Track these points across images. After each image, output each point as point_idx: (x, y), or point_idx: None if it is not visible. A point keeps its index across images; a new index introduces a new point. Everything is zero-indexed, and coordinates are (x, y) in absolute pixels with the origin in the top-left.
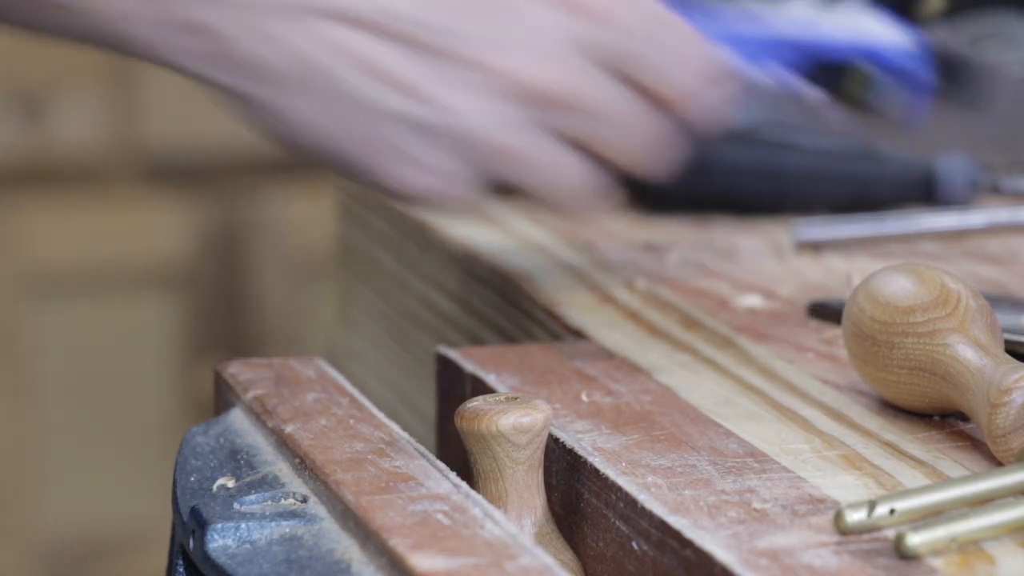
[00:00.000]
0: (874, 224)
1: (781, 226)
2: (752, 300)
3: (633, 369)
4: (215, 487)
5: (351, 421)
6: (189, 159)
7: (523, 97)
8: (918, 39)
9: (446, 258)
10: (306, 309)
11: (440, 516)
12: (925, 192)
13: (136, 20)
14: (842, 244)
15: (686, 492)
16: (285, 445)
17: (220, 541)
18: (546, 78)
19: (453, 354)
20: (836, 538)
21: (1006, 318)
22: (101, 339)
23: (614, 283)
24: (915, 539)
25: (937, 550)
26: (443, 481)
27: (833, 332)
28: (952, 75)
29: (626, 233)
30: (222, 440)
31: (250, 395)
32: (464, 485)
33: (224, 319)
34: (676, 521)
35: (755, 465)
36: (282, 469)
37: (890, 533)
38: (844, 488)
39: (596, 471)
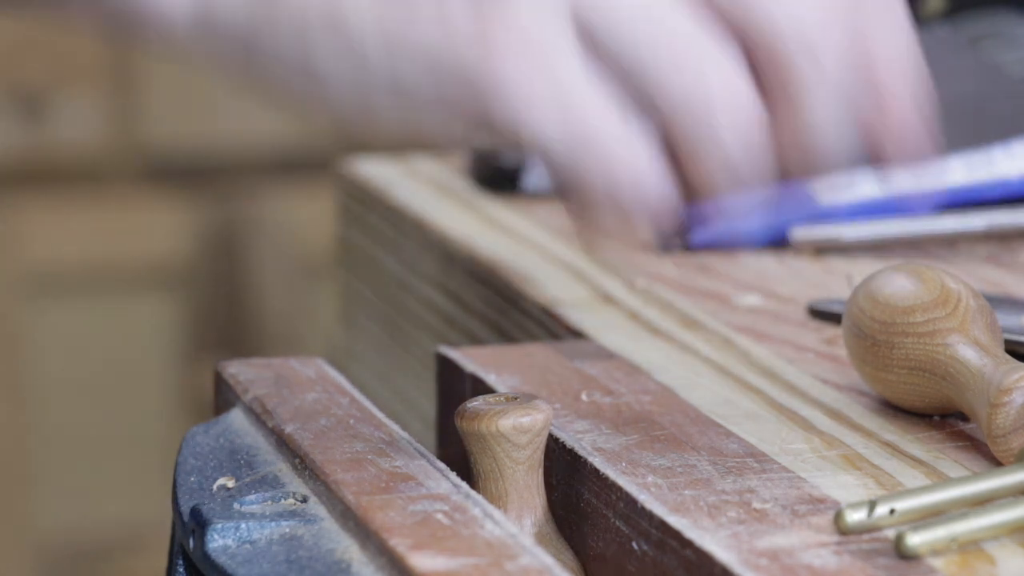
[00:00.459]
0: (875, 225)
1: None
2: (752, 300)
3: (633, 369)
4: (215, 487)
5: (351, 421)
6: (189, 159)
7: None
8: None
9: (446, 258)
10: (306, 309)
11: (440, 516)
12: None
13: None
14: (842, 245)
15: (686, 492)
16: (285, 445)
17: (220, 541)
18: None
19: (453, 354)
20: (836, 538)
21: (1006, 318)
22: (101, 339)
23: (614, 283)
24: (915, 539)
25: (937, 550)
26: (443, 481)
27: (833, 332)
28: None
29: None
30: (222, 440)
31: (250, 395)
32: (464, 485)
33: (224, 319)
34: (676, 521)
35: (755, 465)
36: (282, 469)
37: (890, 533)
38: (844, 488)
39: (596, 471)
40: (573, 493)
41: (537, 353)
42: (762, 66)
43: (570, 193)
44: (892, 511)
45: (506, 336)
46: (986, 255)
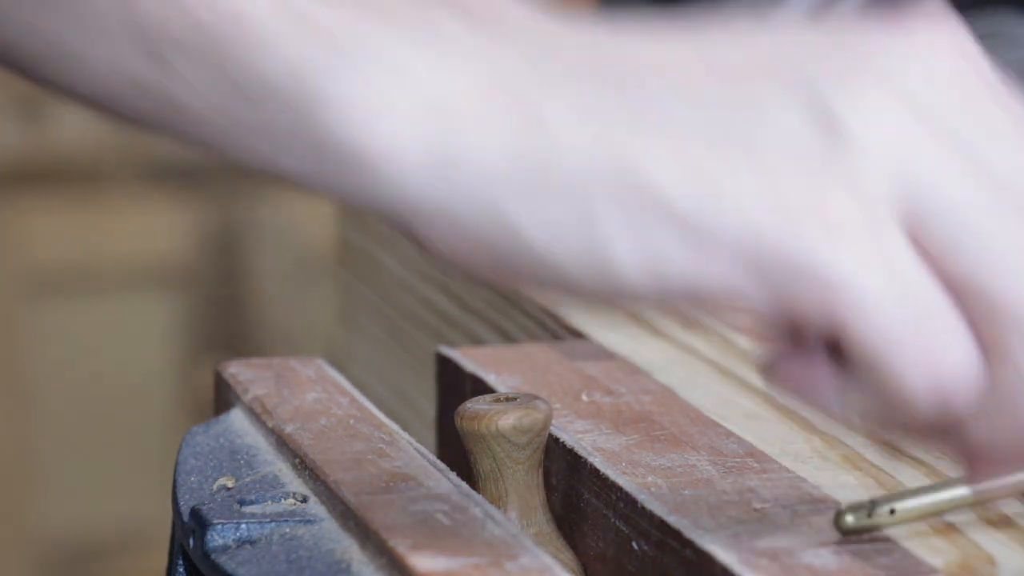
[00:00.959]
0: None
1: None
2: None
3: (633, 369)
4: (215, 487)
5: (351, 421)
6: (189, 159)
7: None
8: None
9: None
10: (306, 309)
11: (440, 516)
12: None
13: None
14: None
15: (686, 492)
16: (285, 445)
17: (220, 541)
18: None
19: (453, 354)
20: (836, 538)
21: None
22: (101, 339)
23: None
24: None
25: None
26: (443, 481)
27: None
28: None
29: None
30: (222, 440)
31: (250, 395)
32: (464, 485)
33: (224, 319)
34: (676, 521)
35: (755, 465)
36: (282, 469)
37: (890, 533)
38: (844, 488)
39: (596, 471)
40: (573, 493)
41: (537, 353)
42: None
43: (886, 383)
44: (892, 511)
45: (506, 336)
46: None
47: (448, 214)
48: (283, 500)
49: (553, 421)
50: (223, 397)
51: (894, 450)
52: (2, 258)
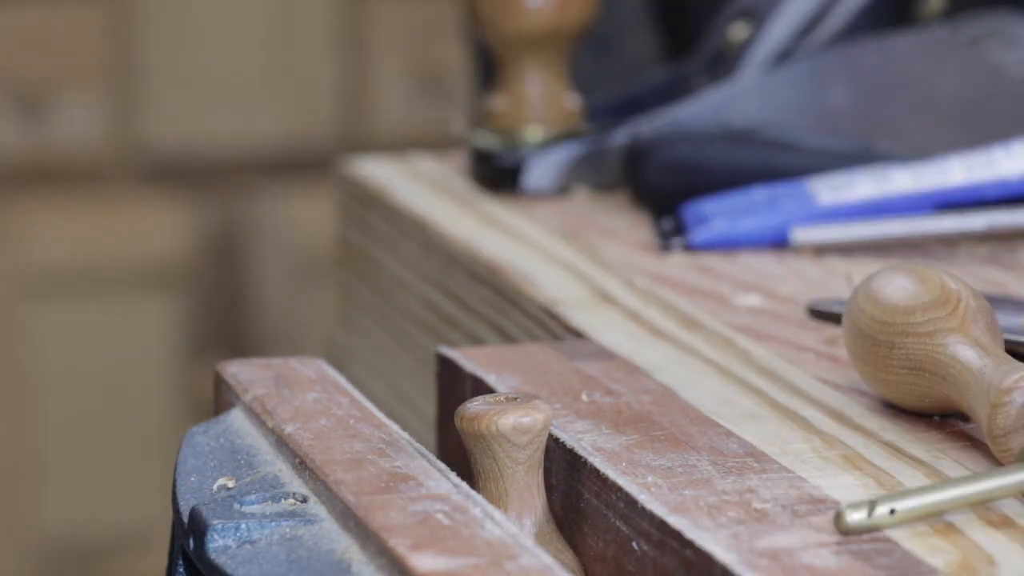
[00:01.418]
0: (875, 225)
1: None
2: (752, 300)
3: (633, 369)
4: (215, 487)
5: (351, 421)
6: (189, 159)
7: None
8: None
9: (446, 258)
10: (306, 309)
11: (440, 516)
12: None
13: None
14: (842, 245)
15: (686, 492)
16: (285, 445)
17: (220, 541)
18: None
19: (453, 354)
20: (836, 538)
21: (1006, 318)
22: (101, 339)
23: (614, 283)
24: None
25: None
26: (443, 481)
27: (833, 332)
28: None
29: (626, 233)
30: (222, 440)
31: (250, 395)
32: (464, 485)
33: (224, 319)
34: (676, 521)
35: (755, 465)
36: (282, 469)
37: (890, 533)
38: (844, 488)
39: (596, 471)
40: (573, 493)
41: (537, 353)
42: None
43: None
44: (892, 511)
45: (506, 336)
46: (986, 255)
47: None
48: (283, 500)
49: (553, 421)
50: (223, 397)
51: (894, 450)
52: (2, 258)
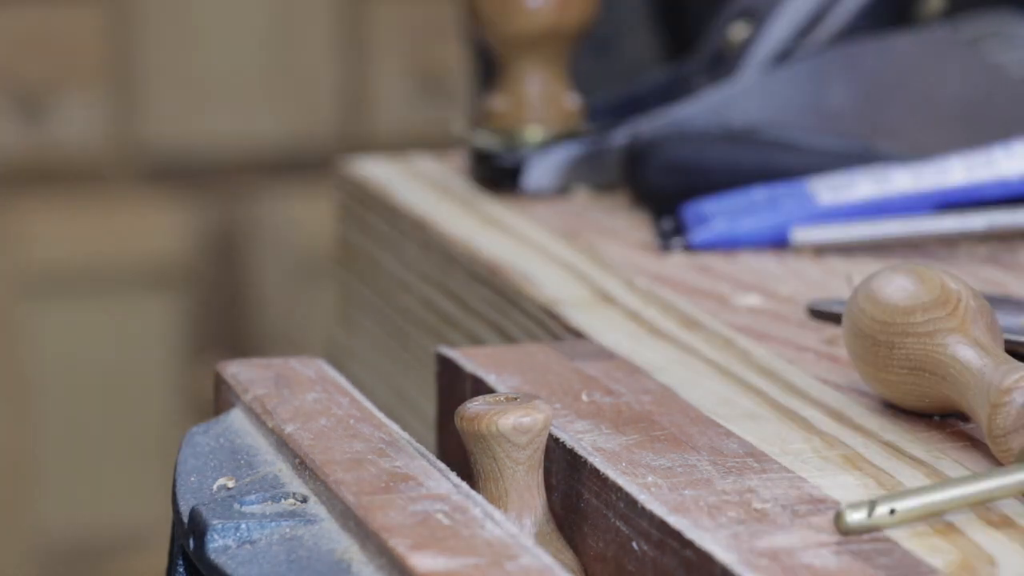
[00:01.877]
0: (875, 225)
1: None
2: (752, 300)
3: (633, 369)
4: (215, 487)
5: (351, 421)
6: (189, 159)
7: None
8: None
9: (446, 258)
10: (306, 309)
11: (440, 516)
12: None
13: None
14: (842, 245)
15: (686, 492)
16: (285, 445)
17: (220, 541)
18: None
19: (453, 354)
20: (836, 538)
21: (1006, 318)
22: (101, 339)
23: (614, 283)
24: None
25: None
26: (443, 481)
27: (833, 332)
28: None
29: (626, 233)
30: (222, 440)
31: (250, 395)
32: (464, 485)
33: (224, 319)
34: (676, 521)
35: (755, 465)
36: (282, 469)
37: (890, 533)
38: (844, 488)
39: (596, 471)
40: (573, 493)
41: (537, 353)
42: None
43: None
44: (892, 511)
45: (506, 336)
46: (986, 255)
47: None
48: (283, 500)
49: (553, 421)
50: (223, 397)
51: (894, 450)
52: (2, 258)
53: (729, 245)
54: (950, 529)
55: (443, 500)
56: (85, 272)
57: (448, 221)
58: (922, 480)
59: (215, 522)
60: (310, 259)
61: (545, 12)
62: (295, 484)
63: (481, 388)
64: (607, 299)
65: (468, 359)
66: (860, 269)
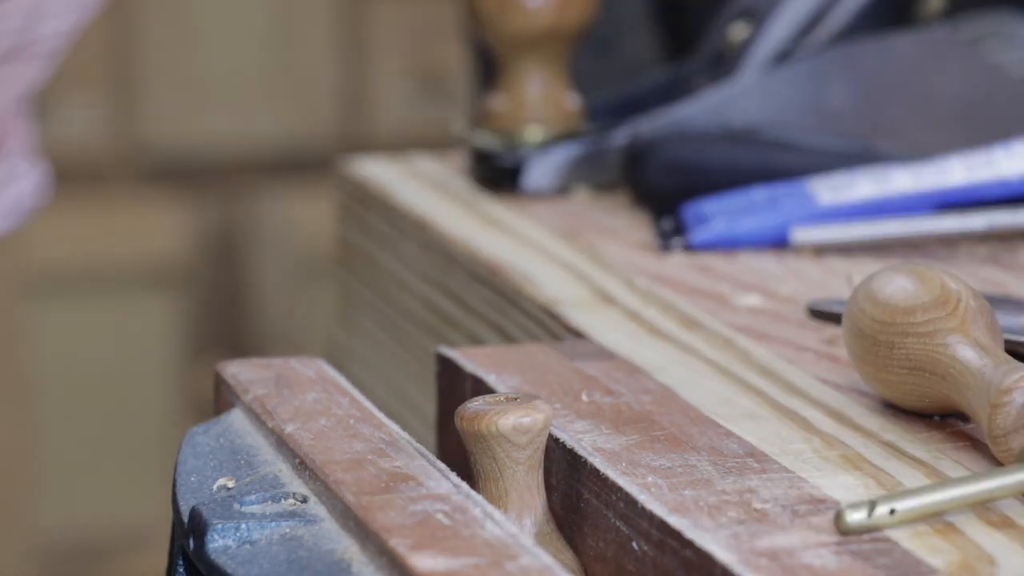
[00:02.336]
0: (875, 225)
1: None
2: (752, 300)
3: (633, 369)
4: (215, 487)
5: (351, 421)
6: (189, 159)
7: None
8: None
9: (446, 258)
10: (306, 309)
11: (440, 516)
12: None
13: None
14: (842, 245)
15: (686, 492)
16: (285, 445)
17: (220, 541)
18: None
19: (453, 354)
20: (836, 538)
21: (1006, 318)
22: (101, 339)
23: (614, 283)
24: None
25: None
26: (443, 481)
27: (833, 332)
28: None
29: (626, 233)
30: (222, 440)
31: (250, 395)
32: (464, 485)
33: (224, 319)
34: (676, 521)
35: (755, 465)
36: (282, 469)
37: (890, 533)
38: (844, 488)
39: (596, 471)
40: (573, 493)
41: (537, 353)
42: None
43: None
44: (892, 511)
45: (506, 336)
46: (986, 255)
47: None
48: (283, 500)
49: (553, 421)
50: (223, 397)
51: (894, 450)
52: (2, 258)
53: (729, 245)
54: (950, 529)
55: (443, 500)
56: (85, 272)
57: (448, 221)
58: (922, 480)
59: (215, 522)
60: (310, 259)
61: (545, 12)
62: (295, 484)
63: (481, 388)
64: (607, 299)
65: (468, 359)
66: (860, 269)
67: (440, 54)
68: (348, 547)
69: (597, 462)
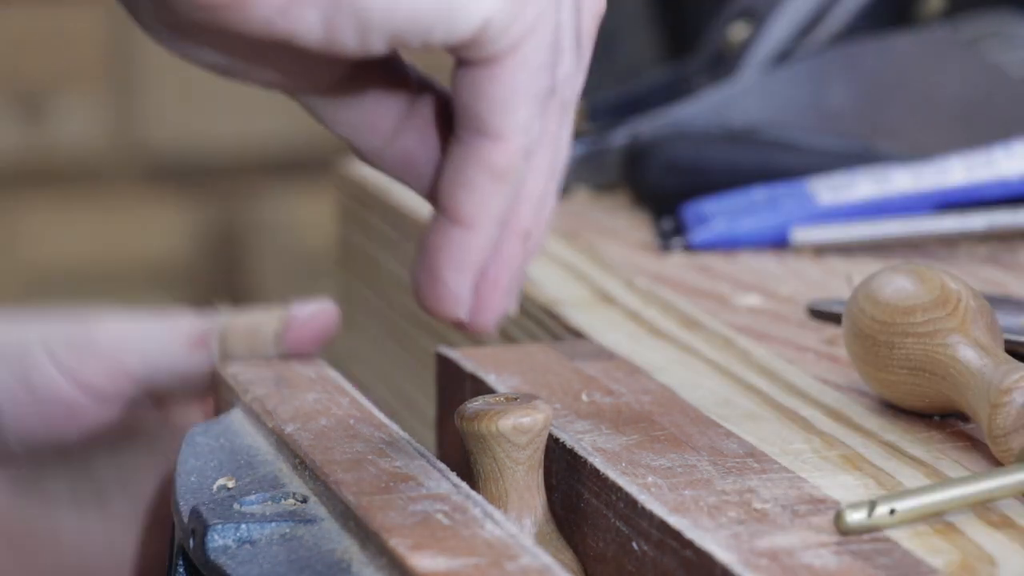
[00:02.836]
0: (875, 225)
1: None
2: (752, 300)
3: (633, 369)
4: (215, 487)
5: (351, 421)
6: (189, 159)
7: None
8: None
9: None
10: None
11: (440, 516)
12: None
13: None
14: (842, 245)
15: (686, 492)
16: (285, 445)
17: (220, 541)
18: None
19: (453, 354)
20: (836, 538)
21: (1006, 318)
22: None
23: (614, 283)
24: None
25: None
26: (443, 481)
27: (833, 332)
28: None
29: (626, 233)
30: (222, 440)
31: (250, 395)
32: (464, 485)
33: None
34: (676, 521)
35: (755, 465)
36: (282, 469)
37: (890, 533)
38: (844, 488)
39: (596, 471)
40: (573, 493)
41: (537, 353)
42: None
43: None
44: (892, 511)
45: (506, 336)
46: (986, 255)
47: None
48: (283, 500)
49: (553, 421)
50: (223, 397)
51: (894, 450)
52: (2, 258)
53: (729, 245)
54: (950, 529)
55: (443, 500)
56: (85, 272)
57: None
58: (922, 480)
59: (215, 522)
60: (310, 259)
61: None
62: (295, 484)
63: (481, 388)
64: (607, 299)
65: (468, 359)
66: (860, 269)
67: (440, 54)
68: (348, 547)
69: (597, 462)
